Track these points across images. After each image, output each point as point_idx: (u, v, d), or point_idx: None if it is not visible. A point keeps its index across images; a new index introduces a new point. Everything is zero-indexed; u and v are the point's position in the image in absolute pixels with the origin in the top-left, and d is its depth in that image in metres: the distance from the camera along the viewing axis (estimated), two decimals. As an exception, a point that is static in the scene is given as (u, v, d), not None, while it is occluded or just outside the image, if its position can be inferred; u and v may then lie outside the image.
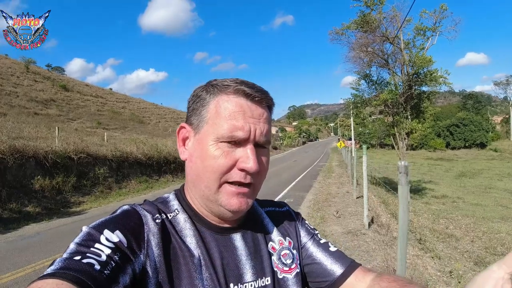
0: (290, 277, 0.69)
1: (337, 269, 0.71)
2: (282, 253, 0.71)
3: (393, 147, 19.40)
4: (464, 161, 33.48)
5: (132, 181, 13.22)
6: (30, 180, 9.30)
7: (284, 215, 0.79)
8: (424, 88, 11.85)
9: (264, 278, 0.65)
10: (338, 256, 0.73)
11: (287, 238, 0.74)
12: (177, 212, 0.65)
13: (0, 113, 17.89)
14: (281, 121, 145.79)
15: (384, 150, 48.26)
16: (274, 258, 0.69)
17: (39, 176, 9.49)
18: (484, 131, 46.07)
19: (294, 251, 0.73)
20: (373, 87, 12.89)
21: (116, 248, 0.51)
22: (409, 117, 12.09)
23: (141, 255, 0.54)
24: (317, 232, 0.79)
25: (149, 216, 0.60)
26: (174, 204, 0.67)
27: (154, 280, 0.54)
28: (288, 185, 13.22)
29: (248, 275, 0.64)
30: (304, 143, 76.16)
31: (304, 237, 0.76)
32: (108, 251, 0.50)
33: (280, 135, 66.55)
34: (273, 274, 0.67)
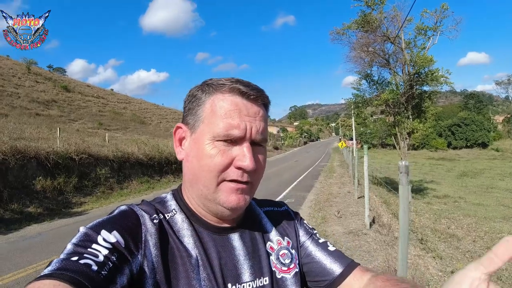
0: (288, 276, 0.68)
1: (336, 268, 0.70)
2: (281, 253, 0.70)
3: (394, 147, 19.37)
4: (465, 161, 33.35)
5: (134, 182, 13.23)
6: (31, 181, 9.32)
7: (282, 215, 0.78)
8: (426, 88, 11.83)
9: (262, 278, 0.65)
10: (337, 255, 0.73)
11: (285, 238, 0.74)
12: (175, 212, 0.65)
13: (2, 114, 17.98)
14: (283, 121, 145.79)
15: (385, 150, 48.13)
16: (272, 258, 0.69)
17: (40, 177, 9.52)
18: (486, 131, 45.89)
19: (293, 251, 0.73)
20: (374, 87, 12.85)
21: (114, 248, 0.51)
22: (411, 117, 12.06)
23: (138, 256, 0.54)
24: (315, 231, 0.79)
25: (146, 216, 0.60)
26: (172, 204, 0.67)
27: (152, 280, 0.54)
28: (289, 185, 13.22)
29: (246, 275, 0.63)
30: (305, 143, 76.20)
31: (303, 237, 0.76)
32: (105, 251, 0.50)
33: (281, 135, 66.64)
34: (271, 274, 0.67)
